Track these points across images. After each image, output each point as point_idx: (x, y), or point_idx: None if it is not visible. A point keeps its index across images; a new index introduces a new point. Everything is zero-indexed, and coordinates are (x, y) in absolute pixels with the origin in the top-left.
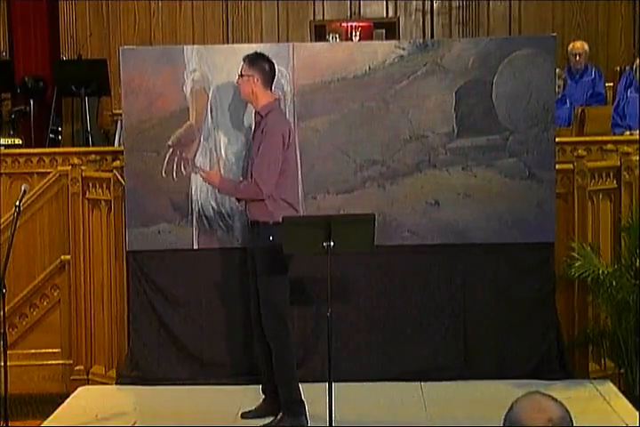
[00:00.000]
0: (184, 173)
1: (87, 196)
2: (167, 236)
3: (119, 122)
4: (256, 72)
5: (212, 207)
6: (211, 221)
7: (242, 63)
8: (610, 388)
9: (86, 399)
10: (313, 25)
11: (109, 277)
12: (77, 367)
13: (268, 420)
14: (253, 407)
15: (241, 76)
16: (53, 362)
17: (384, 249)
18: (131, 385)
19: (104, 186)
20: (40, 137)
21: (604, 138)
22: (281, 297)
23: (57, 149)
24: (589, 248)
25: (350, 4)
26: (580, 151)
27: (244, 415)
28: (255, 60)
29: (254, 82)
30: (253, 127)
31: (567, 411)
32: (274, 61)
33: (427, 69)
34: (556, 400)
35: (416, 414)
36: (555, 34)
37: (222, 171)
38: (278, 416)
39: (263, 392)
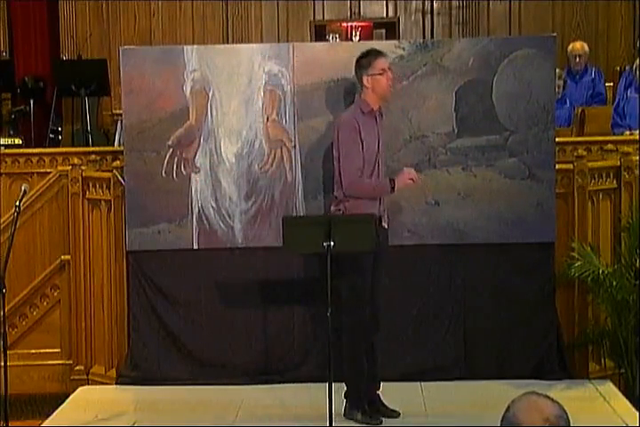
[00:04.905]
0: (184, 173)
1: (87, 196)
2: (167, 236)
3: (119, 122)
4: None
5: (212, 207)
6: (211, 221)
7: (382, 59)
8: (610, 388)
9: (86, 399)
10: (313, 25)
11: (109, 277)
12: (77, 367)
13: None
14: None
15: (390, 70)
16: (53, 362)
17: None
18: (131, 385)
19: (104, 186)
20: (40, 137)
21: (604, 138)
22: None
23: (57, 149)
24: (589, 248)
25: (350, 4)
26: (580, 151)
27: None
28: None
29: None
30: (379, 124)
31: (564, 410)
32: None
33: (427, 69)
34: (552, 400)
35: (416, 415)
36: (555, 34)
37: (221, 172)
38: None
39: (373, 402)
